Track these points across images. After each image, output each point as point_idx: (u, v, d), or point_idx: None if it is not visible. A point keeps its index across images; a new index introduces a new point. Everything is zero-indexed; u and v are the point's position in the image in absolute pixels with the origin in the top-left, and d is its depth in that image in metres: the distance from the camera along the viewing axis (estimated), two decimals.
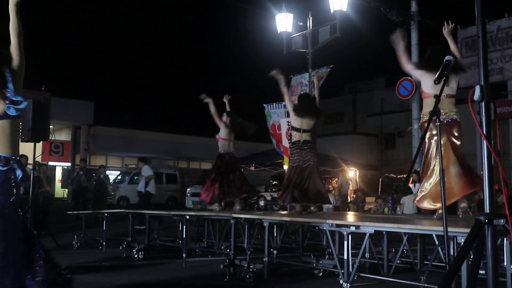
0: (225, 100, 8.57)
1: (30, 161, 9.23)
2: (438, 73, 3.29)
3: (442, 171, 3.18)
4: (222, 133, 8.32)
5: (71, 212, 10.83)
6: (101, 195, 14.50)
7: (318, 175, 7.19)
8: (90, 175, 14.57)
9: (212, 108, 8.38)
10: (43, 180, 10.68)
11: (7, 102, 3.22)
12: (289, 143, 11.06)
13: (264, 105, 13.62)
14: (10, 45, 3.35)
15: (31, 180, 8.41)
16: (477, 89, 2.40)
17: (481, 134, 2.39)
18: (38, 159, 10.58)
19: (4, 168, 3.22)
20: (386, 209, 14.74)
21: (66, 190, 26.61)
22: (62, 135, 30.51)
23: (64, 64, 60.29)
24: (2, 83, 3.23)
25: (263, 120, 13.65)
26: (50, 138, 8.62)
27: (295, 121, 7.11)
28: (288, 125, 12.61)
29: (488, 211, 2.33)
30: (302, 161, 7.00)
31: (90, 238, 9.01)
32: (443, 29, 5.44)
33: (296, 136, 7.12)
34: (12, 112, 3.24)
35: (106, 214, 8.69)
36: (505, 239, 3.70)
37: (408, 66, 5.43)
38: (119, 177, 23.85)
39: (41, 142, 8.80)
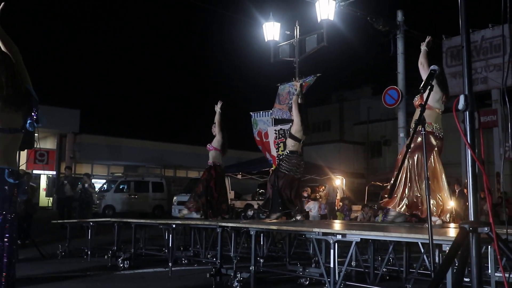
0: (217, 108, 8.47)
1: None
2: (423, 82, 3.32)
3: (427, 179, 3.19)
4: (215, 143, 8.34)
5: (55, 221, 10.71)
6: (85, 204, 14.35)
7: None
8: (75, 183, 14.43)
9: (218, 117, 8.40)
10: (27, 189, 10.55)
11: (31, 119, 3.25)
12: (281, 152, 11.06)
13: (251, 113, 13.62)
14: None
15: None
16: (462, 98, 2.43)
17: (465, 142, 2.41)
18: (23, 167, 10.46)
19: (17, 182, 3.33)
20: (380, 216, 14.63)
21: (51, 199, 26.34)
22: (48, 143, 30.24)
23: (50, 72, 59.94)
24: (27, 99, 3.25)
25: (250, 128, 13.65)
26: (35, 146, 8.52)
27: (299, 132, 7.18)
28: (276, 133, 12.62)
29: (472, 219, 2.34)
30: (301, 173, 7.19)
31: (75, 247, 8.91)
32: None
33: (295, 146, 7.21)
34: (31, 128, 3.28)
35: (91, 223, 8.60)
36: (489, 247, 3.73)
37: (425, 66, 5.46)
38: (105, 186, 23.67)
39: (25, 150, 8.71)
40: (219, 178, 8.36)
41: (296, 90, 12.20)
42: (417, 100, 5.47)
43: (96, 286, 5.96)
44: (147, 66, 70.59)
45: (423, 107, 3.07)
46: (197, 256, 7.93)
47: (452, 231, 4.23)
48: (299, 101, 7.43)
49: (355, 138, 35.80)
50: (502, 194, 15.29)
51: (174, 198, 20.91)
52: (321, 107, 39.55)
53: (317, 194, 17.09)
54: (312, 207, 15.04)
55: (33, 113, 3.27)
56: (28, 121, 3.25)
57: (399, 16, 15.38)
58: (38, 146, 9.02)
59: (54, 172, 29.22)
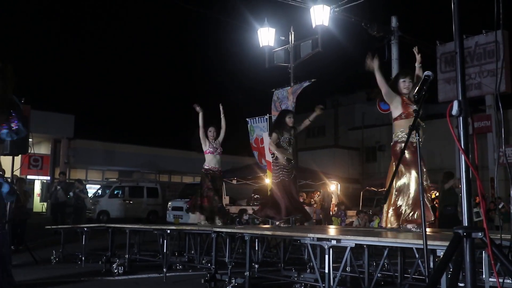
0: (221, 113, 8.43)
1: (8, 174, 9.09)
2: (417, 87, 3.33)
3: (421, 184, 3.20)
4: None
5: (49, 227, 10.65)
6: (79, 210, 14.28)
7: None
8: (69, 189, 14.36)
9: (201, 121, 8.21)
10: (20, 195, 10.50)
11: (7, 128, 3.20)
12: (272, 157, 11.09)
13: (247, 119, 13.62)
14: None
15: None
16: (455, 104, 2.44)
17: (459, 148, 2.42)
18: (17, 172, 10.40)
19: None
20: (376, 222, 14.63)
21: (45, 204, 26.21)
22: (42, 149, 30.12)
23: (44, 77, 59.79)
24: (6, 108, 3.22)
25: (245, 133, 13.65)
26: (29, 151, 8.50)
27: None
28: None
29: (466, 225, 2.35)
30: (287, 176, 7.23)
31: (69, 253, 8.87)
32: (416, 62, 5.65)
33: (277, 152, 7.30)
34: (7, 137, 3.24)
35: (85, 229, 8.57)
36: (483, 252, 3.74)
37: (385, 88, 5.57)
38: (99, 191, 23.57)
39: (19, 155, 8.69)
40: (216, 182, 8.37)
41: (287, 97, 12.28)
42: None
43: None
44: (142, 71, 70.57)
45: (417, 112, 3.08)
46: (191, 262, 7.90)
47: (447, 236, 4.23)
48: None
49: (350, 144, 35.86)
50: (496, 199, 15.31)
51: (169, 203, 20.83)
52: None
53: (312, 200, 17.09)
54: None
55: (14, 122, 3.22)
56: (5, 131, 3.20)
57: (394, 21, 15.45)
58: (32, 151, 8.99)
59: (49, 178, 29.11)
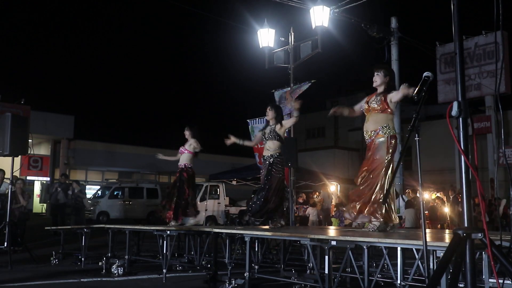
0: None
1: (8, 175, 9.09)
2: (417, 88, 3.33)
3: (421, 185, 3.20)
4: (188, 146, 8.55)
5: (49, 228, 10.65)
6: (78, 210, 14.29)
7: None
8: (69, 190, 14.37)
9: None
10: (18, 196, 10.50)
11: None
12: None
13: (248, 120, 13.63)
14: None
15: (9, 195, 8.29)
16: (455, 105, 2.45)
17: (459, 149, 2.42)
18: (16, 173, 10.39)
19: None
20: None
21: (45, 205, 26.19)
22: (42, 149, 30.12)
23: (44, 78, 59.80)
24: None
25: (245, 134, 13.67)
26: (29, 152, 8.50)
27: (283, 134, 7.24)
28: None
29: (466, 226, 2.35)
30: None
31: (68, 253, 8.86)
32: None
33: (281, 147, 7.17)
34: None
35: (85, 230, 8.56)
36: (483, 252, 3.74)
37: (357, 112, 5.81)
38: (99, 192, 23.56)
39: (19, 156, 8.69)
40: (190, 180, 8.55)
41: (286, 99, 12.28)
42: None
43: None
44: (141, 71, 70.58)
45: (417, 114, 3.08)
46: (191, 263, 7.90)
47: (447, 237, 4.23)
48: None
49: (349, 144, 35.85)
50: (496, 200, 15.30)
51: None
52: (316, 113, 39.62)
53: (312, 200, 17.08)
54: (311, 213, 15.24)
55: None
56: None
57: (393, 22, 15.47)
58: (32, 152, 9.00)
59: (48, 178, 29.10)
